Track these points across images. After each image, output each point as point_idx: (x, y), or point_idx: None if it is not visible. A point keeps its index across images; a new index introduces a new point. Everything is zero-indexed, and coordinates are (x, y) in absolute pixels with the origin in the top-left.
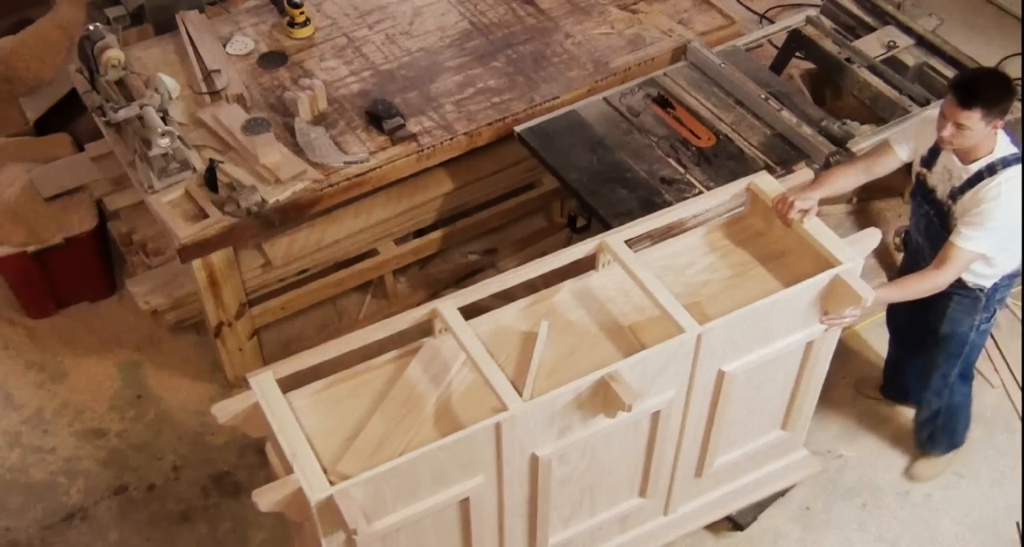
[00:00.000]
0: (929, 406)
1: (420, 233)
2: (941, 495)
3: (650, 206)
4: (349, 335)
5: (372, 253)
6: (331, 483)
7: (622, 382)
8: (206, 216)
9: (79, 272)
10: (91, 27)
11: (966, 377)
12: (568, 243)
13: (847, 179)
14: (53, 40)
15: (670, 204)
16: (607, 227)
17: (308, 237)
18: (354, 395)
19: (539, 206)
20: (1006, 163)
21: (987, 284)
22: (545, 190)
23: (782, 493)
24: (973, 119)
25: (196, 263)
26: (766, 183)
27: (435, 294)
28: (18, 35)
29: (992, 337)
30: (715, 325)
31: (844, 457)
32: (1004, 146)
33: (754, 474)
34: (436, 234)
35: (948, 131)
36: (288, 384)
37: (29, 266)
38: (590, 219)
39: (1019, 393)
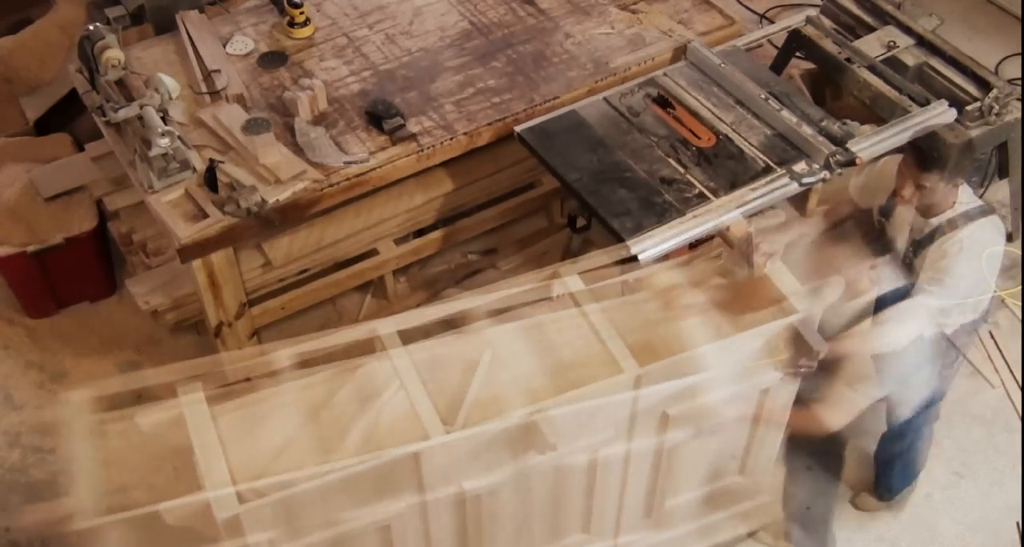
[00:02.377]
0: (892, 442)
1: (420, 233)
2: (941, 495)
3: (650, 206)
4: (283, 350)
5: (372, 253)
6: (244, 500)
7: (550, 421)
8: (206, 216)
9: (79, 272)
10: (91, 27)
11: (929, 418)
12: (568, 243)
13: (813, 226)
14: (53, 40)
15: (670, 204)
16: (607, 227)
17: (308, 237)
18: (283, 411)
19: (539, 206)
20: (968, 217)
21: (947, 331)
22: (545, 190)
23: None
24: (933, 180)
25: (196, 263)
26: (736, 225)
27: (435, 294)
28: (18, 35)
29: (992, 337)
30: (655, 367)
31: (843, 457)
32: (966, 200)
33: (711, 517)
34: (436, 234)
35: (908, 191)
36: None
37: (29, 266)
38: (590, 219)
39: (1019, 393)
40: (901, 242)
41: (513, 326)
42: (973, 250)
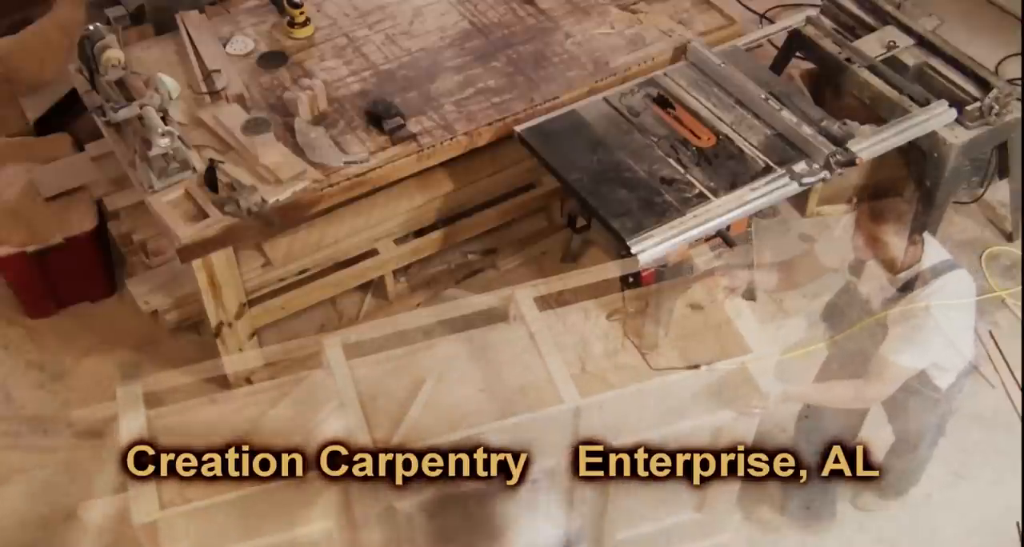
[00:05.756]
0: (901, 454)
1: (420, 233)
2: (941, 495)
3: (650, 206)
4: (229, 357)
5: (372, 253)
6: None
7: (485, 446)
8: (206, 216)
9: (79, 272)
10: (91, 27)
11: (938, 433)
12: (568, 243)
13: (772, 275)
14: (53, 40)
15: (670, 204)
16: (607, 227)
17: (308, 237)
18: (222, 420)
19: (539, 206)
20: (935, 272)
21: (942, 384)
22: (545, 190)
23: None
24: (887, 233)
25: (196, 263)
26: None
27: (435, 294)
28: (18, 35)
29: (992, 337)
30: (595, 400)
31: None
32: (933, 254)
33: None
34: (436, 234)
35: (861, 239)
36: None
37: (29, 266)
38: (590, 219)
39: (1019, 393)
40: (875, 301)
41: (462, 346)
42: (942, 307)
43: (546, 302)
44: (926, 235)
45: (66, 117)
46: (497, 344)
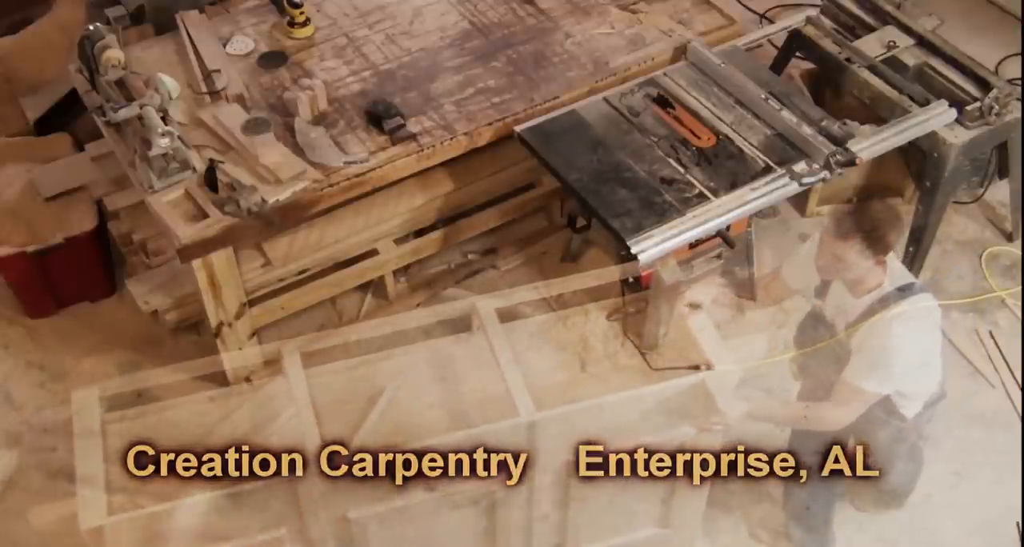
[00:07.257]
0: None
1: (420, 233)
2: (941, 495)
3: (650, 206)
4: (179, 364)
5: (372, 253)
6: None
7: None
8: (206, 216)
9: (79, 272)
10: (91, 27)
11: (916, 453)
12: (568, 243)
13: (729, 295)
14: (53, 40)
15: (670, 204)
16: (607, 227)
17: (308, 237)
18: (177, 426)
19: (539, 206)
20: (899, 296)
21: (908, 413)
22: (545, 190)
23: None
24: (851, 251)
25: (196, 263)
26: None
27: (435, 294)
28: (18, 35)
29: (992, 337)
30: (552, 414)
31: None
32: (896, 277)
33: None
34: (436, 234)
35: (823, 260)
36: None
37: (29, 266)
38: (590, 219)
39: (1019, 393)
40: (840, 325)
41: (425, 355)
42: (903, 330)
43: (546, 303)
44: (889, 257)
45: (66, 117)
46: (460, 354)
